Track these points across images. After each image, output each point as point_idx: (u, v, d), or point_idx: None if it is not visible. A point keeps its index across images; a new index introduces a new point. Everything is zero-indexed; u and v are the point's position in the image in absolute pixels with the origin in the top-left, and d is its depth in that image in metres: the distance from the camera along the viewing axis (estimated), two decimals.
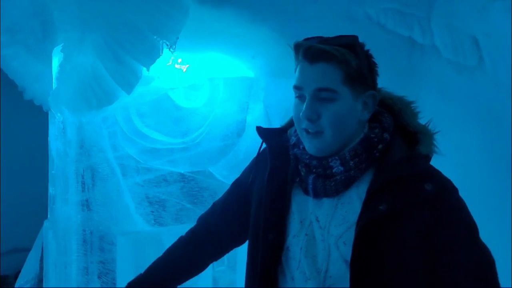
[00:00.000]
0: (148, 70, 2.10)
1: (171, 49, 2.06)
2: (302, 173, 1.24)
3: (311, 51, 1.17)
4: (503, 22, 2.12)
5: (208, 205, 1.60)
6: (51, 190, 2.57)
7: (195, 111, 2.59)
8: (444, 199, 1.18)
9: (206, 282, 2.55)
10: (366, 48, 1.24)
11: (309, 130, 1.19)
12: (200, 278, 1.56)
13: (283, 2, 2.34)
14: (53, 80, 2.35)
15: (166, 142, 2.57)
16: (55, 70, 2.28)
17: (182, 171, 2.63)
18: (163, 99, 2.54)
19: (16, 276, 3.28)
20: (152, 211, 2.60)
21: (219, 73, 2.55)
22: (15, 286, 2.84)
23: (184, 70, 2.47)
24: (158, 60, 2.11)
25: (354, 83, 1.18)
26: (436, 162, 2.29)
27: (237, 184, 1.47)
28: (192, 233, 1.52)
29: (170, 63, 2.42)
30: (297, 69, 1.21)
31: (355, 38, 1.21)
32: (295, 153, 1.26)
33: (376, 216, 1.14)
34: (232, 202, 1.46)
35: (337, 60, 1.15)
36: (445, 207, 1.18)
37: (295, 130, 1.29)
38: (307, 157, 1.22)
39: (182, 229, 1.59)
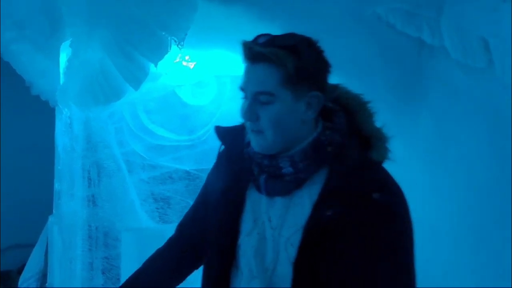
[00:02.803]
0: (156, 66, 2.10)
1: (179, 46, 2.05)
2: (255, 172, 1.25)
3: (251, 52, 1.18)
4: None
5: None
6: (56, 185, 2.57)
7: (201, 109, 2.59)
8: (389, 208, 1.19)
9: None
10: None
11: (252, 129, 1.22)
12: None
13: (292, 0, 2.33)
14: (61, 75, 2.35)
15: (172, 139, 2.57)
16: (63, 65, 2.29)
17: (188, 169, 2.64)
18: (170, 96, 2.54)
19: (19, 271, 3.29)
20: (157, 208, 2.61)
21: (226, 71, 2.55)
22: (20, 281, 2.85)
23: (192, 67, 2.47)
24: (165, 57, 2.11)
25: (294, 85, 1.17)
26: (442, 163, 2.27)
27: (203, 186, 1.48)
28: (169, 240, 1.52)
29: (178, 60, 2.42)
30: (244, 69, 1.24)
31: (300, 38, 1.20)
32: (248, 152, 1.26)
33: (322, 222, 1.16)
34: (200, 205, 1.47)
35: (274, 62, 1.16)
36: (389, 217, 1.18)
37: None
38: (259, 156, 1.23)
39: None
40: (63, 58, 2.33)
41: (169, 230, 2.51)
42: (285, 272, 1.19)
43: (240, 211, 1.26)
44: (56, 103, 2.50)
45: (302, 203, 1.20)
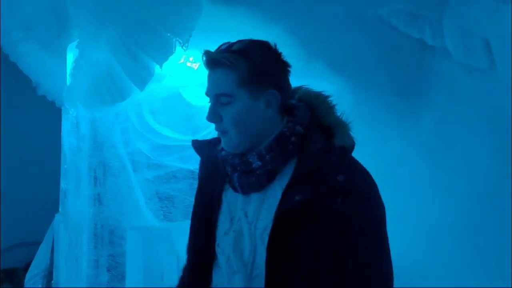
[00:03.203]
0: (161, 67, 2.12)
1: (184, 47, 2.08)
2: (229, 173, 1.32)
3: (207, 59, 1.28)
4: None
5: None
6: (63, 184, 2.60)
7: (205, 109, 2.60)
8: (355, 189, 1.24)
9: None
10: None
11: (218, 130, 1.31)
12: None
13: (295, 2, 2.35)
14: (68, 76, 2.38)
15: (177, 138, 2.60)
16: (70, 66, 2.31)
17: (192, 168, 2.66)
18: (174, 97, 2.56)
19: (25, 269, 3.31)
20: (161, 207, 2.64)
21: None
22: (26, 279, 2.88)
23: (196, 68, 2.49)
24: (170, 58, 2.13)
25: (250, 85, 1.26)
26: (444, 163, 2.27)
27: (193, 206, 1.52)
28: (184, 270, 1.52)
29: (182, 61, 2.44)
30: None
31: (254, 43, 1.29)
32: (222, 155, 1.34)
33: (292, 206, 1.22)
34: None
35: (228, 66, 1.25)
36: (355, 197, 1.24)
37: None
38: (230, 157, 1.30)
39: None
40: (70, 58, 2.36)
41: (174, 228, 2.55)
42: (264, 262, 1.24)
43: (217, 213, 1.33)
44: (63, 103, 2.53)
45: (275, 195, 1.26)
